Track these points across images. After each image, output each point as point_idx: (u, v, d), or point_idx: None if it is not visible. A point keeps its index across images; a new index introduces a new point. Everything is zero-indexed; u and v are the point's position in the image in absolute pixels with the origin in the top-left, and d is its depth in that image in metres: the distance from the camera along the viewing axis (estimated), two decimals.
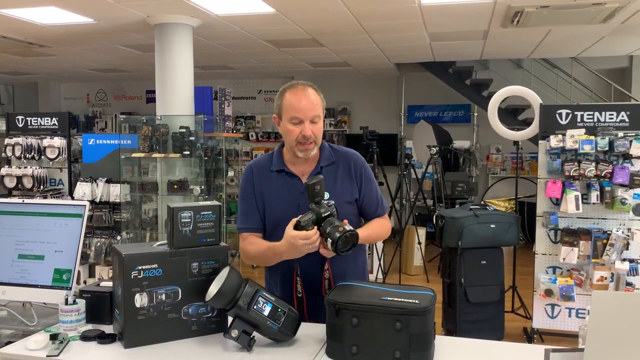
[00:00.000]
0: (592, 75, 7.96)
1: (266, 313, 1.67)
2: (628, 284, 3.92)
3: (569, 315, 4.18)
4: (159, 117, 5.06)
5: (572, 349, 1.45)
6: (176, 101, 5.23)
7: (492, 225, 4.15)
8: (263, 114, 9.90)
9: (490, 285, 4.18)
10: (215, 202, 1.86)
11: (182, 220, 1.77)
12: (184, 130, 4.93)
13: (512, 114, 7.80)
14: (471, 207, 4.31)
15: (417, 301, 1.61)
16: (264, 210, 2.03)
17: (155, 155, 5.04)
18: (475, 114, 9.07)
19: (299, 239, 1.78)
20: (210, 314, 1.81)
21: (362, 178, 2.09)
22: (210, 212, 1.81)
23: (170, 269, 1.75)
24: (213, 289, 1.68)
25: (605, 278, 3.93)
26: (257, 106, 9.99)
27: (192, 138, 4.92)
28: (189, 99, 5.33)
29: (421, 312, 1.57)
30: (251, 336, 1.67)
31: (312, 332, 1.80)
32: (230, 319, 1.70)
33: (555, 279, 4.08)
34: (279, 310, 1.69)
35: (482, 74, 8.41)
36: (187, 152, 4.90)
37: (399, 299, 1.62)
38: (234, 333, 1.66)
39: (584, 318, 4.11)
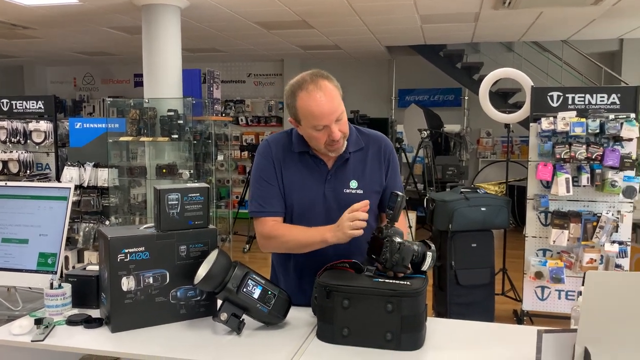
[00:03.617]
0: (582, 58, 7.94)
1: (256, 296, 1.65)
2: (617, 265, 3.94)
3: (559, 298, 4.20)
4: (147, 100, 4.99)
5: (565, 329, 1.44)
6: (164, 84, 5.15)
7: (483, 209, 4.14)
8: (253, 97, 9.81)
9: (480, 268, 4.19)
10: (203, 184, 1.82)
11: (170, 203, 1.74)
12: (172, 113, 4.86)
13: (503, 97, 7.79)
14: (462, 190, 4.30)
15: (408, 283, 1.59)
16: (285, 193, 1.86)
17: (143, 139, 4.98)
18: (466, 98, 9.04)
19: (347, 212, 1.67)
20: (199, 297, 1.78)
21: (390, 165, 1.94)
22: (198, 194, 1.77)
23: (157, 252, 1.72)
24: (202, 272, 1.65)
25: (595, 260, 3.95)
26: (247, 90, 9.90)
27: (181, 121, 4.85)
28: (177, 82, 5.25)
29: (413, 294, 1.55)
30: (241, 319, 1.65)
31: (303, 315, 1.78)
32: (219, 302, 1.68)
33: (545, 262, 4.10)
34: (269, 292, 1.66)
35: (473, 57, 8.37)
36: (176, 136, 4.84)
37: (391, 281, 1.60)
38: (223, 316, 1.63)
39: (574, 300, 4.15)
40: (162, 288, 1.73)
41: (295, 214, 1.87)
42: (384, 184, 1.92)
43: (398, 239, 1.63)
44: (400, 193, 1.71)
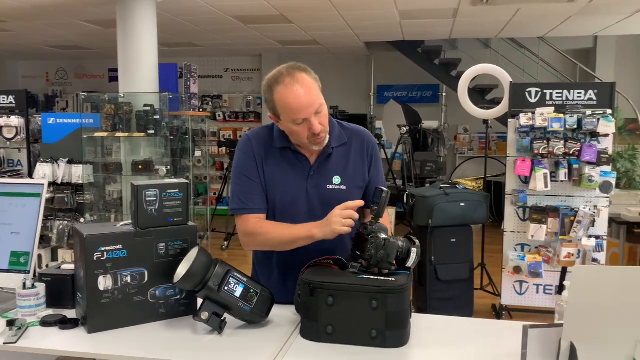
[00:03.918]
0: (558, 55, 8.04)
1: (238, 294, 1.61)
2: (594, 260, 3.99)
3: (537, 292, 4.24)
4: (122, 95, 4.88)
5: (550, 324, 1.43)
6: (140, 79, 5.05)
7: (462, 204, 4.16)
8: (230, 93, 9.71)
9: (460, 263, 4.21)
10: (182, 180, 1.77)
11: (147, 199, 1.68)
12: (148, 108, 4.77)
13: (480, 93, 7.84)
14: (441, 186, 4.32)
15: (393, 279, 1.57)
16: (267, 190, 1.82)
17: (118, 134, 4.88)
18: (444, 94, 9.09)
19: (339, 209, 1.66)
20: (178, 296, 1.74)
21: (372, 160, 1.90)
22: (177, 191, 1.72)
23: (135, 250, 1.67)
24: (182, 270, 1.61)
25: (573, 254, 3.99)
26: (224, 85, 9.79)
27: (157, 117, 4.76)
28: (153, 77, 5.15)
29: (398, 290, 1.53)
30: (222, 318, 1.60)
31: (286, 313, 1.74)
32: (200, 300, 1.64)
33: (523, 256, 4.13)
34: (251, 290, 1.63)
35: (450, 54, 8.41)
36: (152, 132, 4.75)
37: (375, 277, 1.58)
38: (204, 315, 1.59)
39: (552, 294, 4.20)
40: (140, 287, 1.68)
41: (277, 211, 1.83)
42: (367, 179, 1.90)
43: (383, 235, 1.61)
44: (385, 189, 1.69)
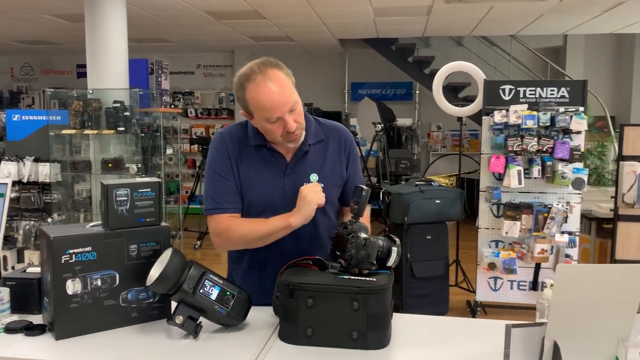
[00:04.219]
0: (529, 53, 8.15)
1: (213, 297, 1.55)
2: (567, 255, 4.04)
3: (511, 288, 4.28)
4: (91, 91, 4.74)
5: (533, 323, 1.42)
6: (109, 74, 4.92)
7: (437, 201, 4.17)
8: (202, 89, 9.57)
9: (435, 260, 4.22)
10: (154, 179, 1.71)
11: (118, 199, 1.61)
12: (118, 105, 4.64)
13: (453, 91, 7.89)
14: (417, 183, 4.31)
15: (374, 279, 1.53)
16: (241, 189, 1.76)
17: (87, 131, 4.73)
18: (417, 92, 9.13)
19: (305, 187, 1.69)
20: (151, 299, 1.67)
21: (350, 157, 1.86)
22: (149, 190, 1.66)
23: (105, 252, 1.60)
24: (154, 273, 1.54)
25: (546, 250, 4.03)
26: (196, 81, 9.64)
27: (127, 113, 4.64)
28: (123, 72, 5.02)
29: (379, 291, 1.49)
30: (197, 322, 1.55)
31: (263, 315, 1.69)
32: (174, 304, 1.57)
33: (498, 253, 4.16)
34: (228, 293, 1.57)
35: (424, 52, 8.45)
36: (122, 129, 4.62)
37: (356, 278, 1.54)
38: (179, 319, 1.53)
39: (525, 290, 4.24)
40: (111, 290, 1.61)
41: (252, 210, 1.78)
42: (345, 176, 1.86)
43: (363, 235, 1.57)
44: (364, 187, 1.65)
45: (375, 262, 1.59)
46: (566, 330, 1.32)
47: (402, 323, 1.67)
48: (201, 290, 1.54)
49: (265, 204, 1.76)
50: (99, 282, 1.59)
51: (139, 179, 1.68)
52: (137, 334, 1.60)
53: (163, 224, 1.71)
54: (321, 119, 1.90)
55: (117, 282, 1.62)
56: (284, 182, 1.76)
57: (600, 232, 4.79)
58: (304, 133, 1.74)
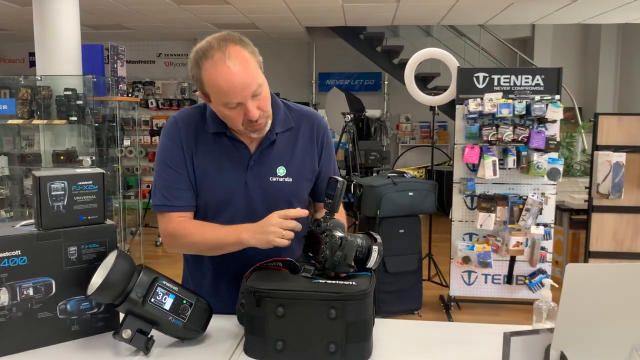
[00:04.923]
0: (497, 45, 8.10)
1: (167, 307, 1.33)
2: (542, 248, 3.94)
3: (485, 282, 4.16)
4: (40, 78, 4.40)
5: (534, 331, 1.25)
6: (60, 60, 4.56)
7: (411, 193, 4.01)
8: (164, 79, 9.19)
9: (408, 254, 4.08)
10: (97, 170, 1.47)
11: (53, 193, 1.37)
12: (69, 92, 4.31)
13: (422, 81, 7.76)
14: (389, 174, 4.15)
15: (354, 283, 1.34)
16: (196, 184, 1.53)
17: (36, 121, 4.40)
18: (386, 83, 8.99)
19: (279, 216, 1.38)
20: (95, 310, 1.45)
21: (323, 146, 1.63)
22: (90, 182, 1.42)
23: (38, 256, 1.36)
24: (97, 280, 1.32)
25: (521, 243, 3.92)
26: (157, 71, 9.26)
27: (80, 102, 4.32)
28: (75, 58, 4.68)
29: (360, 296, 1.30)
30: (149, 336, 1.33)
31: (227, 325, 1.48)
32: (122, 315, 1.35)
33: (472, 246, 4.03)
34: (184, 301, 1.35)
35: (392, 41, 8.30)
36: (75, 118, 4.30)
37: (333, 282, 1.34)
38: (126, 333, 1.30)
39: (500, 284, 4.12)
40: (46, 301, 1.38)
41: (210, 209, 1.55)
42: (317, 169, 1.64)
43: (339, 233, 1.37)
44: (340, 179, 1.44)
45: (353, 264, 1.40)
46: (575, 338, 1.15)
47: (382, 330, 1.48)
48: (152, 299, 1.32)
49: (225, 201, 1.53)
50: (30, 292, 1.36)
51: (78, 170, 1.44)
52: (78, 350, 1.37)
53: (108, 222, 1.47)
54: (292, 103, 1.67)
55: (54, 290, 1.39)
56: (247, 176, 1.53)
57: (572, 224, 4.73)
58: (269, 122, 1.51)
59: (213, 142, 1.53)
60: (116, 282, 1.29)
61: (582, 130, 6.74)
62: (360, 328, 1.31)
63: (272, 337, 1.30)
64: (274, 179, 1.55)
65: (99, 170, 1.46)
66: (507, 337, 1.24)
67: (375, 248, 1.43)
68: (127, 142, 5.21)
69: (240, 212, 1.53)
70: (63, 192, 1.39)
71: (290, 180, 1.56)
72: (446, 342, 1.46)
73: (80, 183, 1.41)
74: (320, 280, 1.34)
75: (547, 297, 1.42)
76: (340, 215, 1.60)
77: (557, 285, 1.41)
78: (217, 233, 1.47)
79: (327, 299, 1.28)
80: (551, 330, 1.24)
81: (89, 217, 1.43)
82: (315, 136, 1.62)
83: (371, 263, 1.43)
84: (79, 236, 1.41)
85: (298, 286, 1.32)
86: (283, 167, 1.56)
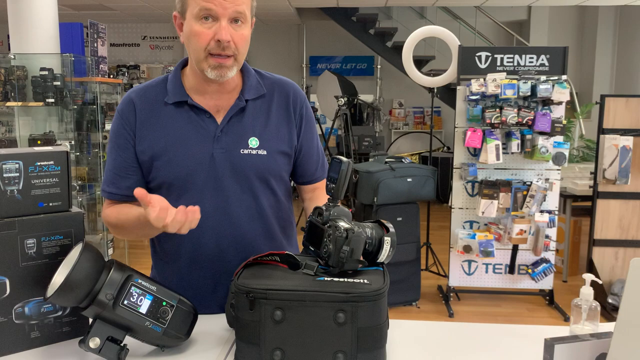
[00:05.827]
0: (492, 27, 7.90)
1: (144, 310, 1.12)
2: (546, 236, 3.77)
3: (486, 272, 3.98)
4: (14, 57, 4.12)
5: (580, 337, 1.05)
6: (36, 38, 4.29)
7: (409, 179, 3.81)
8: (149, 63, 8.90)
9: (406, 243, 3.89)
10: (60, 148, 1.24)
11: (5, 175, 1.15)
12: (46, 72, 4.05)
13: (417, 64, 7.52)
14: (386, 160, 3.94)
15: (366, 281, 1.13)
16: (152, 165, 1.36)
17: (10, 104, 4.12)
18: (379, 67, 8.77)
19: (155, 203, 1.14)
20: (60, 313, 1.23)
21: (303, 119, 1.46)
22: (51, 163, 1.20)
23: None
24: (58, 279, 1.10)
25: (525, 231, 3.75)
26: (142, 54, 8.96)
27: (58, 83, 4.05)
28: (52, 36, 4.40)
29: (373, 297, 1.10)
30: (122, 345, 1.11)
31: (213, 328, 1.28)
32: (90, 320, 1.13)
33: (474, 234, 3.84)
34: (164, 303, 1.14)
35: (385, 24, 8.06)
36: (52, 100, 4.03)
37: (341, 279, 1.13)
38: (94, 342, 1.09)
39: (501, 274, 3.95)
40: None
41: (173, 187, 1.35)
42: (297, 144, 1.44)
43: (344, 224, 1.15)
44: (344, 159, 1.22)
45: (362, 259, 1.19)
46: (636, 346, 0.96)
47: (395, 332, 1.28)
48: (125, 302, 1.10)
49: (189, 177, 1.34)
50: None
51: (37, 148, 1.21)
52: None
53: (75, 209, 1.25)
54: (264, 71, 1.48)
55: (8, 291, 1.17)
56: (214, 148, 1.34)
57: (573, 211, 4.56)
58: (236, 68, 1.32)
59: (175, 113, 1.36)
60: (81, 281, 1.07)
61: (580, 116, 6.58)
62: (374, 334, 1.10)
63: (269, 346, 1.09)
64: (246, 151, 1.36)
65: (62, 147, 1.23)
66: (550, 345, 1.05)
67: (387, 240, 1.22)
68: (109, 127, 4.94)
69: (207, 191, 1.35)
70: (18, 174, 1.16)
71: (265, 153, 1.37)
72: (469, 344, 1.26)
73: (38, 163, 1.18)
74: (326, 278, 1.13)
75: (589, 296, 1.22)
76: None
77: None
78: (130, 211, 1.34)
79: (334, 300, 1.07)
80: (596, 335, 1.06)
81: (51, 204, 1.21)
82: (292, 106, 1.44)
83: (383, 257, 1.22)
84: (38, 226, 1.19)
85: (299, 285, 1.10)
86: (255, 138, 1.37)
